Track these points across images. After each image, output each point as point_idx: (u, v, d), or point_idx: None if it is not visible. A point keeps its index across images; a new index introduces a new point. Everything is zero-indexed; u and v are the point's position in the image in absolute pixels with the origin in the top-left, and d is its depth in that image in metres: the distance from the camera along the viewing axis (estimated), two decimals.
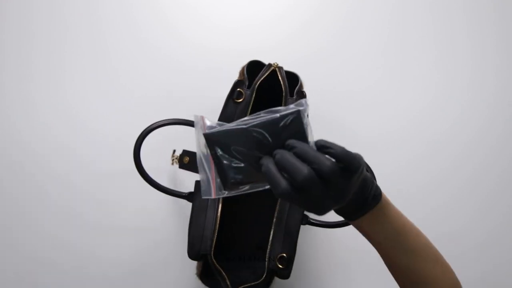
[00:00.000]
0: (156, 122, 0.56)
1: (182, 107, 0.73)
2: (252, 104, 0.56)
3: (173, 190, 0.57)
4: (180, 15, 0.76)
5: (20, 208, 0.71)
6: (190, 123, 0.57)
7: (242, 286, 0.53)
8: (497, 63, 0.77)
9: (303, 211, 0.55)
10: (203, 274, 0.57)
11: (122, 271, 0.69)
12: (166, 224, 0.70)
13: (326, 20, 0.77)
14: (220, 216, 0.56)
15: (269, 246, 0.54)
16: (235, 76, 0.69)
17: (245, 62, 0.61)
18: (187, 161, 0.66)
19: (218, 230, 0.55)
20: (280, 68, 0.57)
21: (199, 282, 0.61)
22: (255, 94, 0.56)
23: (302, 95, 0.56)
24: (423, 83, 0.76)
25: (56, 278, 0.68)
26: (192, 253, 0.54)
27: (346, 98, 0.75)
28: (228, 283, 0.53)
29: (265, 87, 0.58)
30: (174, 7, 0.77)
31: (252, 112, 0.56)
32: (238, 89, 0.55)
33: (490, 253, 0.72)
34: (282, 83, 0.56)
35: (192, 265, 0.67)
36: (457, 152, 0.74)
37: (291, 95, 0.56)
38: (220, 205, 0.55)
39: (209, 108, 0.73)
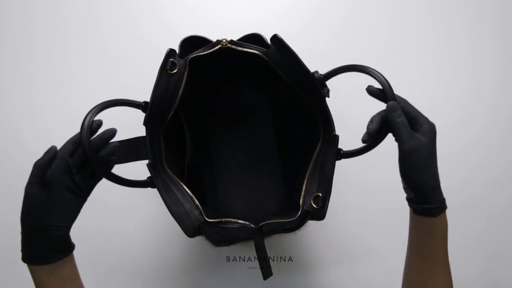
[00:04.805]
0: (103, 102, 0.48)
1: None
2: (188, 77, 0.51)
3: (134, 181, 0.49)
4: (180, 16, 0.76)
5: (20, 209, 0.71)
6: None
7: (268, 221, 0.49)
8: (498, 64, 0.77)
9: (337, 145, 0.51)
10: (212, 237, 0.51)
11: (124, 272, 0.69)
12: (167, 221, 0.70)
13: (326, 20, 0.77)
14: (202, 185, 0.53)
15: (304, 186, 0.51)
16: None
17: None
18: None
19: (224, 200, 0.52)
20: (232, 41, 0.51)
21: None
22: (193, 69, 0.51)
23: (276, 39, 0.51)
24: (424, 83, 0.76)
25: None
26: (188, 230, 0.48)
27: (346, 99, 0.75)
28: (242, 221, 0.49)
29: (209, 64, 0.54)
30: (174, 8, 0.77)
31: (186, 85, 0.51)
32: (171, 59, 0.50)
33: (490, 253, 0.72)
34: (248, 50, 0.51)
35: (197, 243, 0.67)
36: (458, 152, 0.74)
37: (267, 47, 0.52)
38: (175, 177, 0.51)
39: None
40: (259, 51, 0.52)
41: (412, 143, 0.44)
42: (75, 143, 0.46)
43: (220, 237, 0.50)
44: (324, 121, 0.52)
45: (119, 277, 0.69)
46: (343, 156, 0.51)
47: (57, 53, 0.75)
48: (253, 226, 0.49)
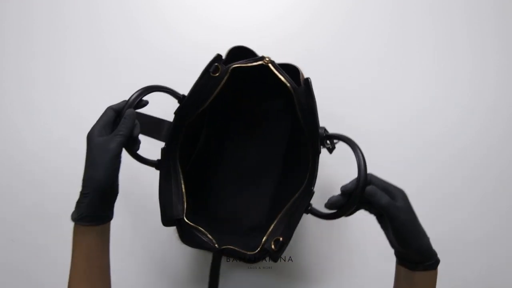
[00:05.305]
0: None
1: None
2: (226, 84, 0.54)
3: (146, 159, 0.54)
4: (180, 16, 0.77)
5: (20, 208, 0.71)
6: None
7: (230, 247, 0.52)
8: (498, 64, 0.77)
9: (310, 200, 0.52)
10: (182, 235, 0.55)
11: (123, 272, 0.69)
12: None
13: (326, 20, 0.77)
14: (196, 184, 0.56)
15: (272, 226, 0.53)
16: None
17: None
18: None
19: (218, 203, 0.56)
20: (272, 62, 0.55)
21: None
22: (233, 78, 0.54)
23: (307, 82, 0.53)
24: (424, 82, 0.76)
25: (58, 278, 0.68)
26: (165, 219, 0.53)
27: (346, 98, 0.75)
28: (210, 237, 0.53)
29: (249, 77, 0.56)
30: (174, 7, 0.77)
31: (221, 90, 0.54)
32: (216, 64, 0.54)
33: (488, 252, 0.72)
34: (281, 77, 0.54)
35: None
36: (457, 152, 0.74)
37: (298, 85, 0.55)
38: (179, 169, 0.56)
39: None
40: (290, 84, 0.54)
41: (402, 216, 0.45)
42: (117, 111, 0.50)
43: (189, 237, 0.54)
44: (311, 174, 0.53)
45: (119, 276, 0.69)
46: (310, 212, 0.52)
47: (57, 53, 0.75)
48: (216, 246, 0.52)
